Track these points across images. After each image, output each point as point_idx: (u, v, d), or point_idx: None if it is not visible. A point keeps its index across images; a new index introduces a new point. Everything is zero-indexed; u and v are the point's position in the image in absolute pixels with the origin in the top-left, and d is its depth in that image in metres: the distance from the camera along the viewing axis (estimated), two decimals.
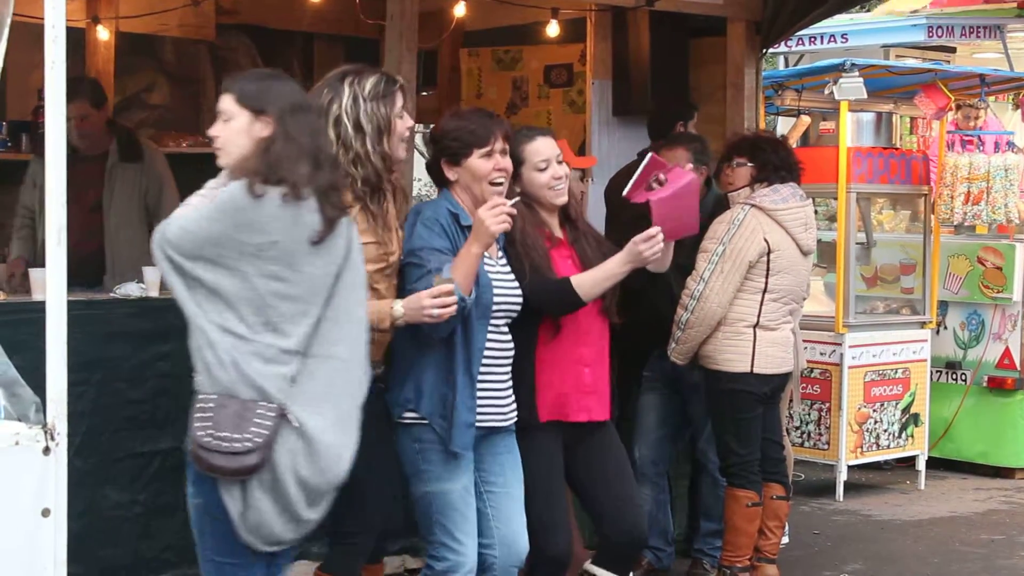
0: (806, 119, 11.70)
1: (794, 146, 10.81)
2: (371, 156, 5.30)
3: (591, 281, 5.72)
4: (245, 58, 10.39)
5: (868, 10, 15.53)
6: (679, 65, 9.28)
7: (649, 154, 5.76)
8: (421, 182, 19.22)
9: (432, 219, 5.31)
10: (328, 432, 4.66)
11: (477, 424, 5.37)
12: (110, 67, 9.25)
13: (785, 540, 8.07)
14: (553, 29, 9.15)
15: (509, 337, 5.53)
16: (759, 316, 7.12)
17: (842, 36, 13.59)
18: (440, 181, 5.50)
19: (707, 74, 9.20)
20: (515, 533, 5.55)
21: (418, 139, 18.57)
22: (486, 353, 5.41)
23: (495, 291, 5.41)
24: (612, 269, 5.72)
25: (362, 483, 5.43)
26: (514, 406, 5.59)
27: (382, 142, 5.34)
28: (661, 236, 5.68)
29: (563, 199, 5.83)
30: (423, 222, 5.31)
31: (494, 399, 5.47)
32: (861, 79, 9.79)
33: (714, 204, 7.52)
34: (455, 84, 10.25)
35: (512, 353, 5.56)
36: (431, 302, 5.09)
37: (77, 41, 8.98)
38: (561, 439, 5.88)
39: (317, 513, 4.73)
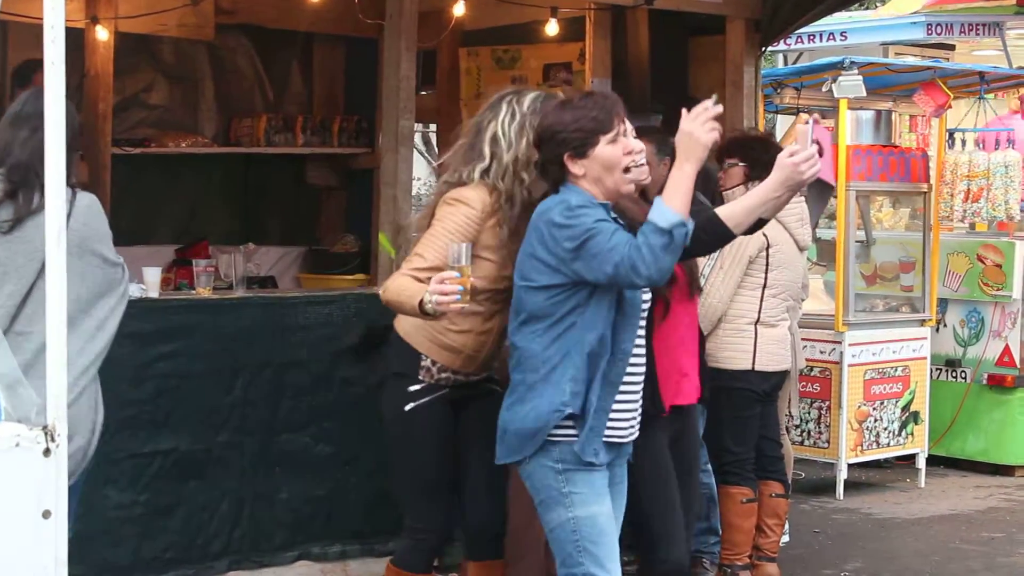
0: (805, 117, 11.70)
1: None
2: (520, 172, 5.32)
3: (743, 210, 5.21)
4: (244, 58, 10.40)
5: (868, 7, 15.55)
6: (678, 63, 9.29)
7: (811, 121, 5.27)
8: (420, 181, 19.31)
9: (587, 201, 4.82)
10: None
11: (607, 438, 4.93)
12: (109, 67, 9.24)
13: (785, 539, 8.08)
14: (552, 28, 9.14)
15: (644, 344, 5.10)
16: (760, 312, 7.14)
17: (841, 34, 13.60)
18: (558, 180, 4.96)
19: (706, 72, 9.21)
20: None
21: (417, 139, 18.57)
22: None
23: None
24: (765, 194, 5.13)
25: (446, 484, 5.59)
26: (637, 423, 5.15)
27: None
28: (818, 157, 5.16)
29: (646, 177, 5.18)
30: (579, 204, 4.80)
31: (629, 412, 5.03)
32: (860, 77, 9.78)
33: None
34: (454, 83, 10.24)
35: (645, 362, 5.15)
36: (436, 287, 4.86)
37: (76, 41, 8.98)
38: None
39: None
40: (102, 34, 9.11)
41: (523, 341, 4.92)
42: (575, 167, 4.90)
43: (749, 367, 7.12)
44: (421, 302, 4.96)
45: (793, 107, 11.23)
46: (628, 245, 4.68)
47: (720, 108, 4.86)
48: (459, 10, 8.89)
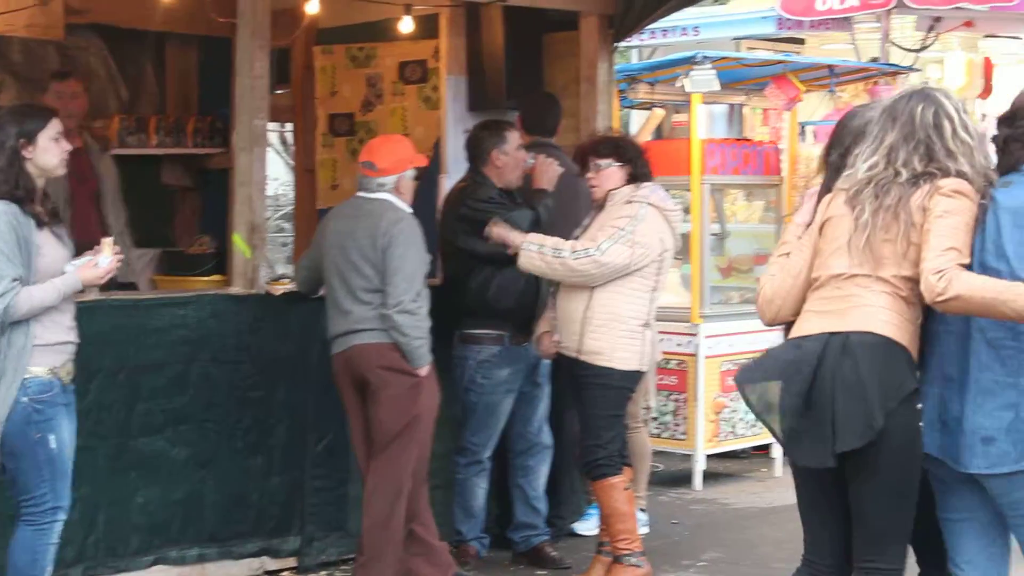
0: (659, 112, 11.81)
1: (648, 139, 10.95)
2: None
3: None
4: (96, 58, 10.26)
5: (719, 3, 15.72)
6: (533, 60, 9.33)
7: None
8: (277, 181, 19.13)
9: None
10: None
11: None
12: None
13: (645, 530, 8.16)
14: (407, 25, 9.13)
15: None
16: (648, 315, 7.23)
17: (693, 29, 13.76)
18: (1019, 160, 4.77)
19: (561, 68, 9.26)
20: None
21: (274, 138, 18.43)
22: None
23: None
24: None
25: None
26: None
27: None
28: None
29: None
30: None
31: None
32: (713, 71, 9.88)
33: None
34: (309, 82, 10.20)
35: None
36: None
37: None
38: None
39: None
40: None
41: (999, 331, 4.71)
42: None
43: (637, 367, 7.21)
44: None
45: (647, 102, 11.31)
46: None
47: None
48: (313, 8, 8.85)
